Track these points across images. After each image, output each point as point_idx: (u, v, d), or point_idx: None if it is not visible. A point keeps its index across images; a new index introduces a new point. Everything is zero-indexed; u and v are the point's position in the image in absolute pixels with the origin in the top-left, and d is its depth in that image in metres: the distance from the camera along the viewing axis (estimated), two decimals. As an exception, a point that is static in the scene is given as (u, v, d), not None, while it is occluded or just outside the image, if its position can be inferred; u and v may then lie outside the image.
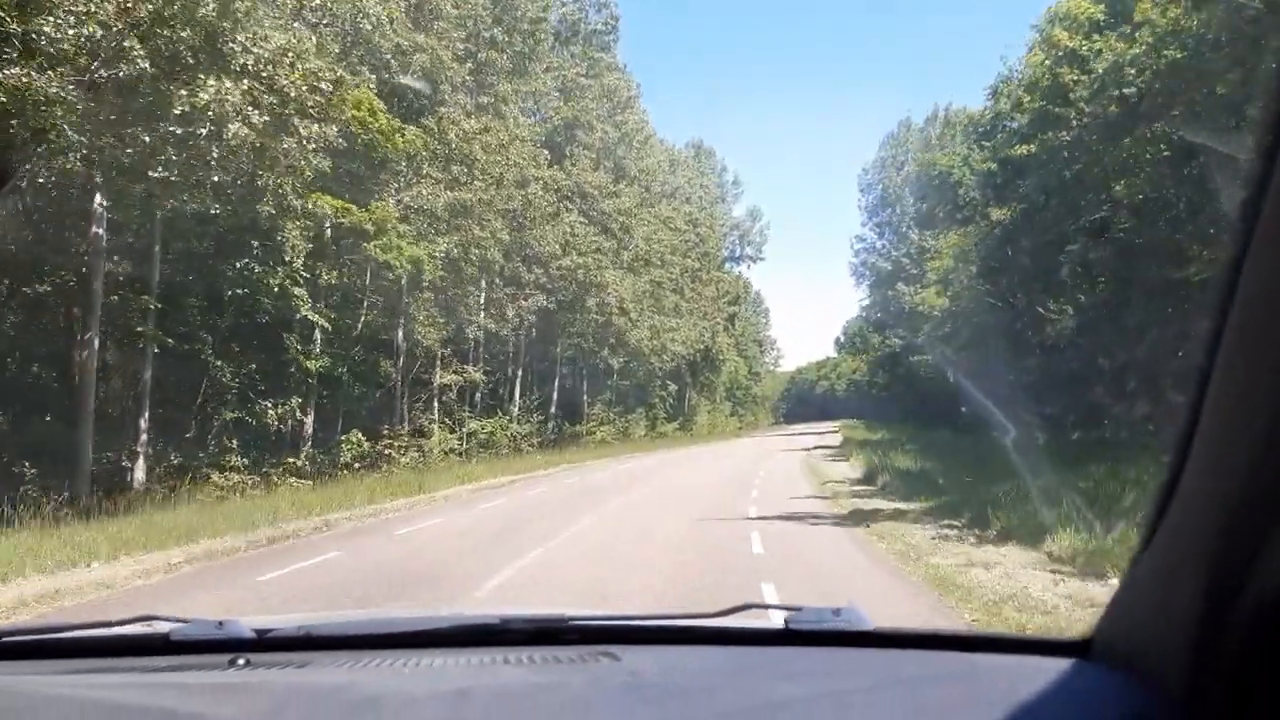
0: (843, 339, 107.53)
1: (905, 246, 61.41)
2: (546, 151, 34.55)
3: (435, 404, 34.85)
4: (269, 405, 23.25)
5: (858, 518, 15.74)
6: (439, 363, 34.66)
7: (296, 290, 22.01)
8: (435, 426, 34.28)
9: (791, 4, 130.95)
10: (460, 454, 35.33)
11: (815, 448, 43.42)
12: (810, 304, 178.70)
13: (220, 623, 1.86)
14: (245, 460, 22.57)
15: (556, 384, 43.26)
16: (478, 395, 37.33)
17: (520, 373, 39.45)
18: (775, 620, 1.86)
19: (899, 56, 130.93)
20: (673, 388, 60.78)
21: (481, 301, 34.66)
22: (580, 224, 36.11)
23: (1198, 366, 1.01)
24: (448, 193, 25.00)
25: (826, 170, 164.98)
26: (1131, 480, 13.70)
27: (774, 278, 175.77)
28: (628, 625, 1.97)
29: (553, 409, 42.73)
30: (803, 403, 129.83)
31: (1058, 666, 1.44)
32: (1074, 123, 20.07)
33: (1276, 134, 0.85)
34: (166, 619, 1.92)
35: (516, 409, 38.89)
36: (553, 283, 35.26)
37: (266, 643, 1.84)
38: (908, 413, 59.03)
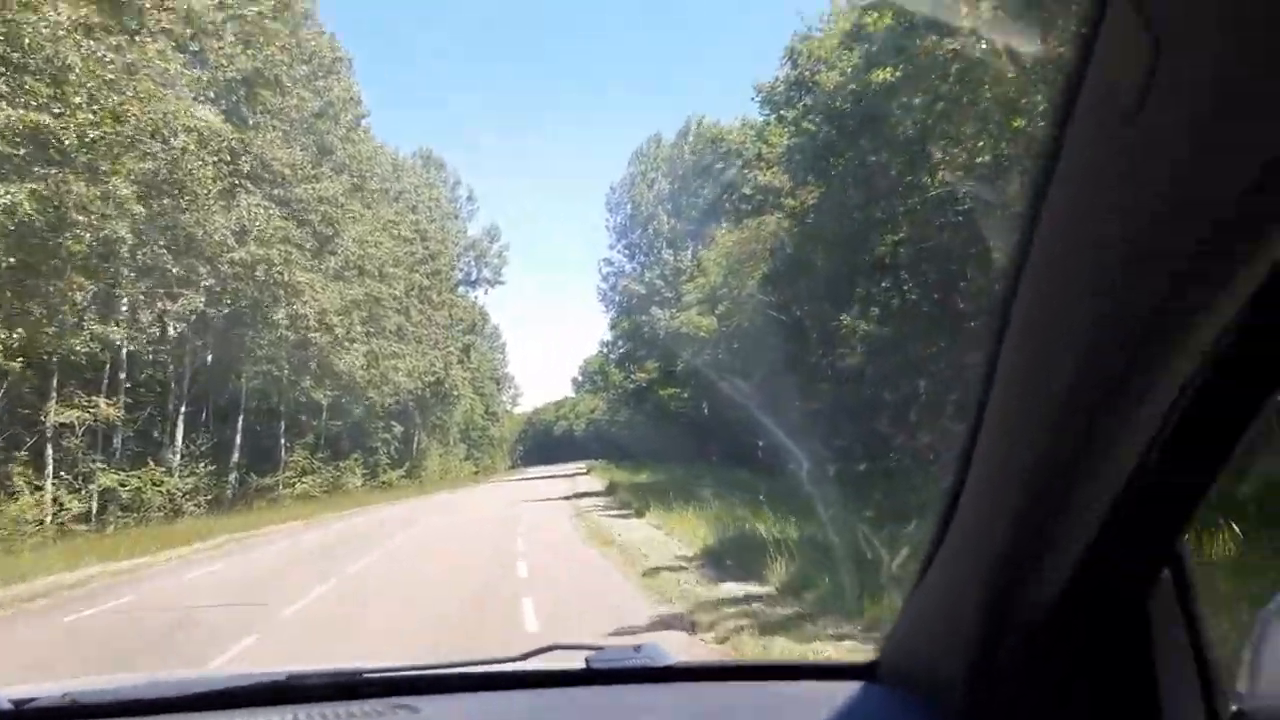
0: (580, 378, 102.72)
1: (659, 268, 56.20)
2: (211, 106, 25.34)
3: (49, 451, 24.62)
4: None
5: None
6: (54, 393, 24.56)
7: None
8: (47, 483, 24.05)
9: (535, 16, 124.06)
10: (90, 520, 25.32)
11: (576, 495, 35.70)
12: (549, 339, 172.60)
13: None
14: None
15: (241, 423, 33.37)
16: (117, 439, 27.12)
17: (184, 408, 29.45)
18: (576, 661, 1.76)
19: (652, 74, 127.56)
20: (398, 429, 51.57)
21: (123, 304, 24.86)
22: (264, 208, 26.91)
23: (976, 397, 0.98)
24: (15, 111, 15.71)
25: (570, 194, 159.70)
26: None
27: (512, 306, 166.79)
28: (426, 675, 1.81)
29: (235, 456, 32.81)
30: (540, 445, 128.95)
31: (847, 690, 1.48)
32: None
33: (1049, 154, 0.78)
34: None
35: (178, 457, 28.87)
36: (223, 283, 25.86)
37: (27, 714, 1.64)
38: (656, 450, 53.81)
